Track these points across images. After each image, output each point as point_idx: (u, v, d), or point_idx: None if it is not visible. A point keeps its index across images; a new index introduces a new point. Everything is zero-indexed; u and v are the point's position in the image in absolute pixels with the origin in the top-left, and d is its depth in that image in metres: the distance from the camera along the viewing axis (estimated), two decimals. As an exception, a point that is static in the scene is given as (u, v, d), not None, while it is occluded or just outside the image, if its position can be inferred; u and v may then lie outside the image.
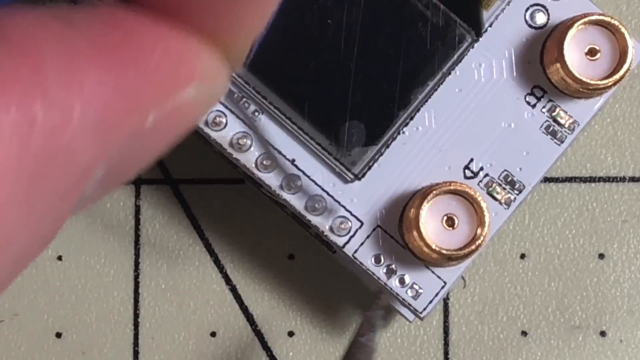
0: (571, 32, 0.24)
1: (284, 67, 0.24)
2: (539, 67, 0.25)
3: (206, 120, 0.24)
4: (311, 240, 0.26)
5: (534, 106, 0.25)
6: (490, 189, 0.24)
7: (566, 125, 0.25)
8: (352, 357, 0.24)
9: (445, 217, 0.24)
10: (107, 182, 0.13)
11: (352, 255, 0.24)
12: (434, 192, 0.24)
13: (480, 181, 0.24)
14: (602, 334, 0.28)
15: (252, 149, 0.24)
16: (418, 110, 0.24)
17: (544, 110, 0.25)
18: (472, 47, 0.24)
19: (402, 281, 0.24)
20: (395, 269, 0.24)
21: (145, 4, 0.13)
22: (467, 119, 0.25)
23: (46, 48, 0.12)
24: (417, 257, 0.24)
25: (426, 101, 0.24)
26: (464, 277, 0.28)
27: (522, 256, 0.28)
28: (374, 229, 0.24)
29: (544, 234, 0.28)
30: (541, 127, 0.25)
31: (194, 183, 0.28)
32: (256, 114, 0.24)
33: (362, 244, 0.24)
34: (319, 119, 0.24)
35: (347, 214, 0.24)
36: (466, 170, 0.25)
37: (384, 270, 0.24)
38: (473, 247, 0.24)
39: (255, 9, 0.14)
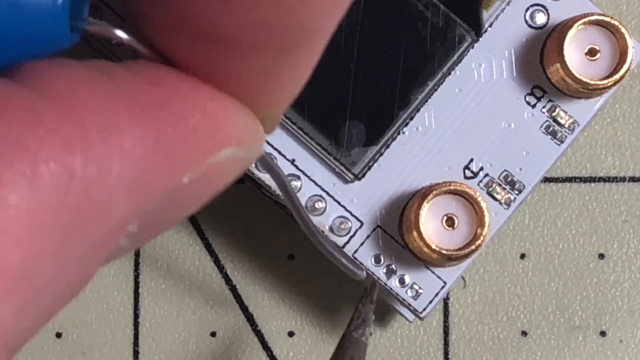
0: (571, 32, 0.24)
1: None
2: (539, 67, 0.25)
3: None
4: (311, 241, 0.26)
5: (534, 106, 0.25)
6: (490, 189, 0.24)
7: (566, 126, 0.25)
8: (345, 352, 0.24)
9: (445, 217, 0.24)
10: (140, 236, 0.13)
11: (352, 256, 0.24)
12: (434, 192, 0.24)
13: (480, 181, 0.24)
14: (602, 334, 0.28)
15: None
16: (418, 111, 0.24)
17: (544, 110, 0.25)
18: (472, 47, 0.24)
19: (402, 281, 0.24)
20: (395, 269, 0.24)
21: (186, 68, 0.13)
22: (467, 119, 0.25)
23: (88, 103, 0.12)
24: (417, 257, 0.24)
25: (426, 101, 0.24)
26: (464, 277, 0.28)
27: (522, 256, 0.28)
28: (373, 229, 0.24)
29: (544, 234, 0.28)
30: (541, 127, 0.25)
31: (194, 183, 0.28)
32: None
33: (362, 244, 0.24)
34: (319, 119, 0.24)
35: (347, 214, 0.24)
36: (466, 171, 0.24)
37: (384, 271, 0.24)
38: (473, 247, 0.24)
39: (292, 77, 0.14)
